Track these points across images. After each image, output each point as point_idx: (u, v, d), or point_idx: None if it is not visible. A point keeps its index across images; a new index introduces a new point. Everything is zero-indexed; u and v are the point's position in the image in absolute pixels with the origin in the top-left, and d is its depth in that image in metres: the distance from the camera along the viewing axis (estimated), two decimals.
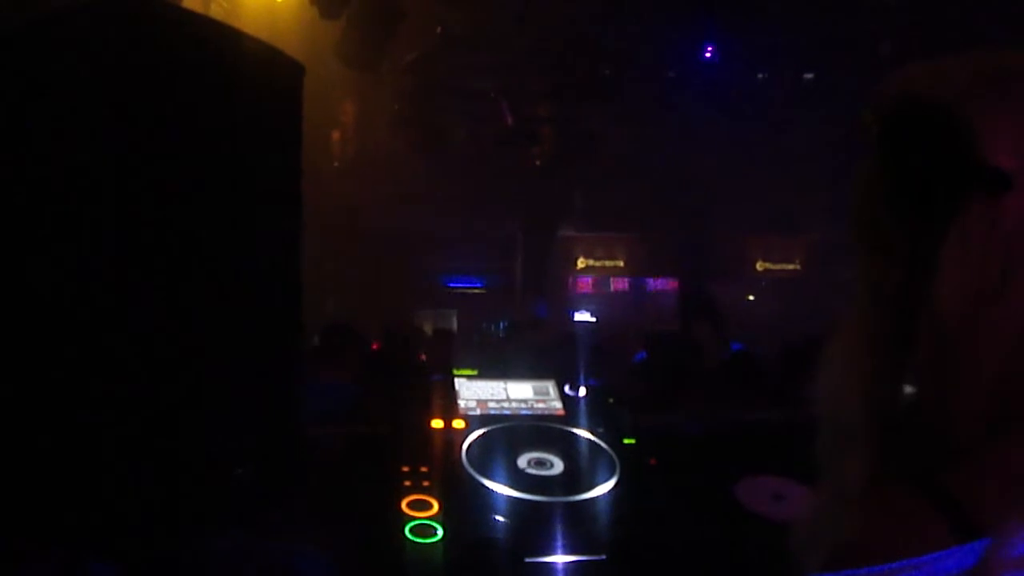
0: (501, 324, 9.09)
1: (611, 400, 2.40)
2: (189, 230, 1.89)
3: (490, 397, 2.34)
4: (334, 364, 3.96)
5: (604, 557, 1.90)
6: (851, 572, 0.77)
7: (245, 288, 2.01)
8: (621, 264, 13.87)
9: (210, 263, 1.94)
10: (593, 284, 13.54)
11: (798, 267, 14.07)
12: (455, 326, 10.90)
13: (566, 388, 2.39)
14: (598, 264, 13.77)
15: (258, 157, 2.01)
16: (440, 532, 1.88)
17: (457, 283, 13.24)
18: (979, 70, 0.88)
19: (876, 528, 0.81)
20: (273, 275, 2.07)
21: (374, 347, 4.77)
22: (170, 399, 1.82)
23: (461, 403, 2.31)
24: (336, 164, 11.07)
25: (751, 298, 13.08)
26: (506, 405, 2.33)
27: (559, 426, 2.27)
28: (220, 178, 1.93)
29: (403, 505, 1.95)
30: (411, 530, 1.89)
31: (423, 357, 4.37)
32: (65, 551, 1.58)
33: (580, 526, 1.95)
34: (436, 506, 1.94)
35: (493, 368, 2.42)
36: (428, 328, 8.57)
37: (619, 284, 14.12)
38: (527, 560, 1.86)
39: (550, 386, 2.40)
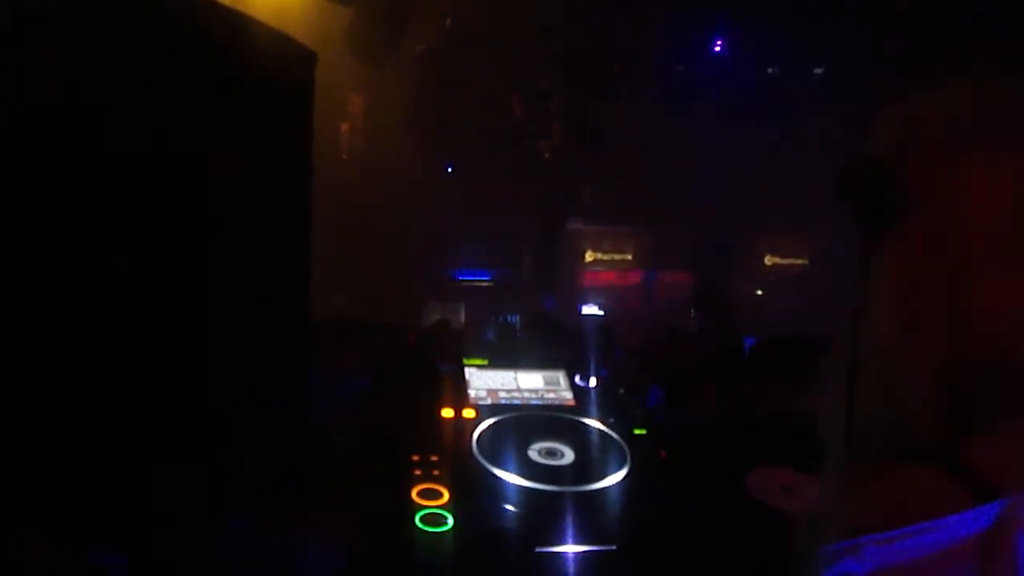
0: (512, 317, 9.08)
1: (622, 391, 2.39)
2: (198, 220, 1.89)
3: (500, 387, 2.33)
4: (344, 355, 3.96)
5: (614, 547, 1.89)
6: (872, 537, 0.78)
7: (254, 279, 2.02)
8: (629, 258, 13.82)
9: (218, 255, 1.95)
10: (602, 278, 13.49)
11: (806, 262, 14.02)
12: (463, 319, 10.88)
13: (577, 378, 2.38)
14: (606, 257, 13.72)
15: (268, 146, 2.01)
16: (450, 521, 1.88)
17: (465, 276, 13.21)
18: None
19: (894, 498, 0.83)
20: (282, 266, 2.08)
21: (411, 341, 4.75)
22: (178, 389, 1.83)
23: (471, 392, 2.30)
24: (345, 156, 11.08)
25: (759, 292, 13.04)
26: (516, 395, 2.32)
27: (569, 416, 2.26)
28: (229, 167, 1.93)
29: (413, 494, 1.94)
30: (421, 519, 1.88)
31: (413, 340, 4.36)
32: (68, 540, 1.58)
33: (590, 516, 1.94)
34: (446, 495, 1.94)
35: (503, 358, 2.41)
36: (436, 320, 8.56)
37: (629, 278, 14.09)
38: (537, 550, 1.86)
39: (560, 376, 2.39)
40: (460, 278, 13.05)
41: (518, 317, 8.14)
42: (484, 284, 13.01)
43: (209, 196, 1.92)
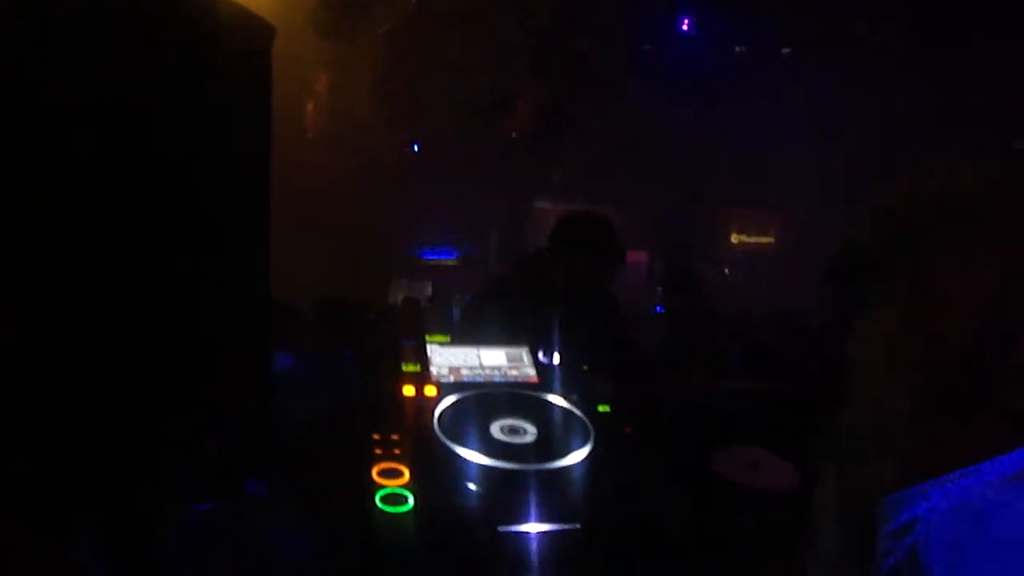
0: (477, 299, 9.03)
1: (585, 368, 2.36)
2: (148, 196, 1.85)
3: (463, 364, 2.30)
4: (307, 334, 3.94)
5: (578, 526, 1.86)
6: (935, 481, 0.86)
7: (210, 258, 1.97)
8: None
9: (172, 234, 1.90)
10: None
11: (772, 240, 14.11)
12: (429, 297, 10.86)
13: (540, 355, 2.35)
14: None
15: (224, 122, 1.96)
16: (411, 501, 1.84)
17: (432, 255, 13.19)
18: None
19: (941, 445, 0.88)
20: (240, 244, 2.03)
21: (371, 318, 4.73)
22: (133, 372, 1.79)
23: (433, 370, 2.26)
24: (310, 135, 11.02)
25: (726, 271, 13.10)
26: (479, 372, 2.28)
27: (533, 393, 2.23)
28: (182, 143, 1.88)
29: (373, 474, 1.90)
30: (381, 499, 1.84)
31: (372, 318, 4.33)
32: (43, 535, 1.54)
33: (554, 494, 1.91)
34: (407, 474, 1.90)
35: (466, 335, 2.37)
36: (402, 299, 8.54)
37: None
38: (500, 529, 1.82)
39: (524, 353, 2.35)
40: (426, 257, 13.02)
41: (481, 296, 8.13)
42: (451, 263, 13.00)
43: (158, 171, 1.88)
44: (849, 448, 1.07)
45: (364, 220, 11.44)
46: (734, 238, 14.02)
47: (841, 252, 1.10)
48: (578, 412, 2.17)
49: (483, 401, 2.16)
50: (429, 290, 11.60)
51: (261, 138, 2.06)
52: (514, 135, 11.32)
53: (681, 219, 12.25)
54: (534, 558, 1.80)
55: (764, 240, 14.03)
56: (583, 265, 3.33)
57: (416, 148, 12.30)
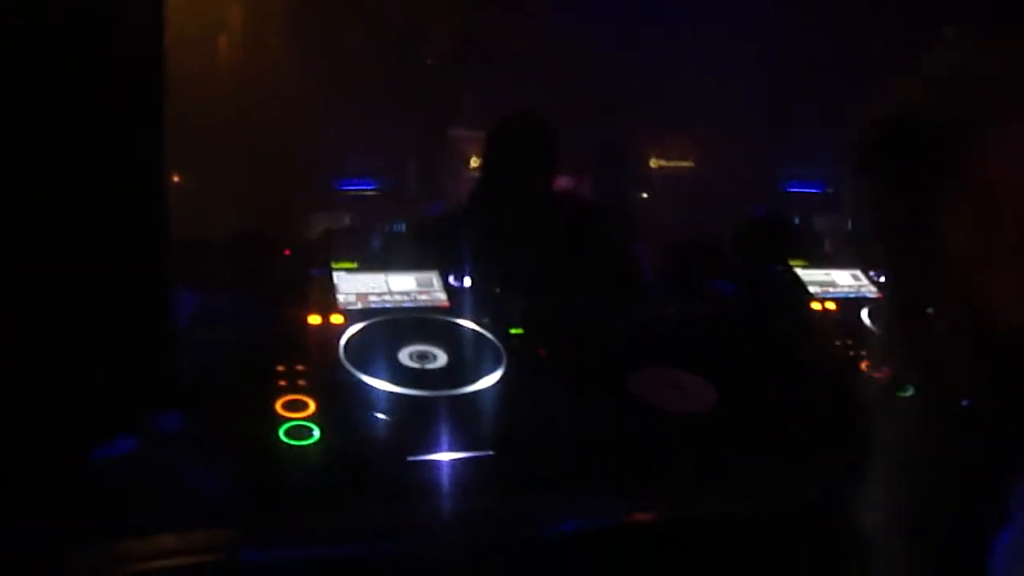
0: (397, 225, 8.94)
1: (498, 290, 2.29)
2: (31, 127, 1.75)
3: (371, 290, 2.21)
4: (217, 268, 3.82)
5: (491, 453, 1.80)
6: None
7: (104, 195, 1.87)
8: None
9: (63, 169, 1.80)
10: None
11: (691, 164, 14.18)
12: (348, 227, 10.73)
13: (451, 279, 2.27)
14: None
15: (111, 47, 1.86)
16: (316, 433, 1.76)
17: (350, 186, 12.99)
18: None
19: None
20: (134, 178, 1.94)
21: (286, 253, 4.59)
22: (34, 316, 1.71)
23: (340, 297, 2.18)
24: (225, 70, 10.78)
25: (645, 196, 13.10)
26: (388, 298, 2.20)
27: (443, 318, 2.15)
28: (66, 67, 1.78)
29: (278, 406, 1.82)
30: (286, 432, 1.76)
31: (288, 252, 4.23)
32: None
33: (465, 421, 1.84)
34: (312, 406, 1.82)
35: (374, 260, 2.28)
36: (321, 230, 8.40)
37: None
38: (409, 458, 1.75)
39: (434, 277, 2.28)
40: (345, 188, 12.83)
41: (404, 225, 8.02)
42: (370, 193, 12.81)
43: (42, 101, 1.78)
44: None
45: (280, 153, 11.21)
46: (652, 163, 14.04)
47: (883, 129, 0.97)
48: (490, 336, 2.10)
49: (391, 328, 2.09)
50: (347, 221, 11.44)
51: (151, 65, 1.95)
52: (429, 62, 11.17)
53: (598, 142, 12.23)
54: (446, 487, 1.74)
55: (683, 164, 14.08)
56: (516, 171, 3.20)
57: (332, 79, 12.07)
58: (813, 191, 13.10)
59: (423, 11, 10.70)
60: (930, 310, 0.97)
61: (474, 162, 13.38)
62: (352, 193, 12.77)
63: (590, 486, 1.82)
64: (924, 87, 0.95)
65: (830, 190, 12.98)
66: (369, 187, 12.82)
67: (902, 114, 0.94)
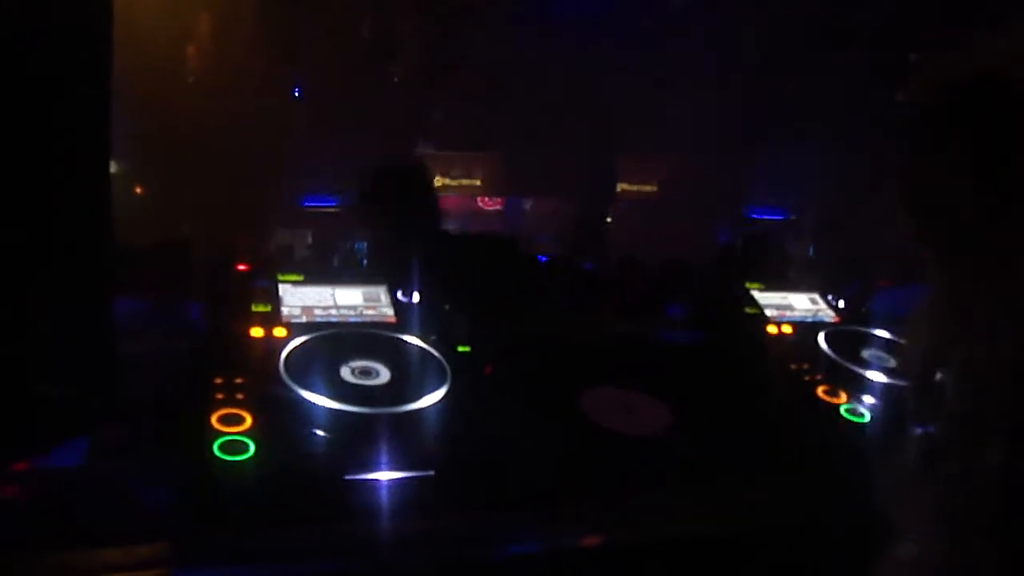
0: (359, 244, 8.91)
1: (447, 307, 2.24)
2: None
3: (316, 303, 2.16)
4: (164, 280, 3.77)
5: (432, 473, 1.74)
6: None
7: (49, 200, 1.83)
8: (478, 183, 13.78)
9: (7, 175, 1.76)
10: (451, 203, 13.36)
11: (655, 189, 14.25)
12: (309, 244, 10.69)
13: (398, 294, 2.22)
14: (454, 183, 13.63)
15: (59, 50, 1.82)
16: (252, 448, 1.70)
17: (312, 202, 12.93)
18: None
19: None
20: (78, 188, 1.90)
21: (240, 267, 4.53)
22: None
23: (284, 310, 2.12)
24: (191, 80, 10.73)
25: (609, 220, 13.13)
26: (333, 312, 2.15)
27: (388, 333, 2.10)
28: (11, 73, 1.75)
29: (213, 420, 1.76)
30: (220, 447, 1.70)
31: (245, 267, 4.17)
32: None
33: (406, 440, 1.79)
34: (249, 420, 1.76)
35: (321, 273, 2.23)
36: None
37: (485, 203, 14.08)
38: (347, 477, 1.70)
39: (381, 292, 2.22)
40: (307, 204, 12.76)
41: (365, 244, 7.97)
42: (331, 210, 12.74)
43: None
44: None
45: (243, 167, 11.14)
46: (618, 187, 14.08)
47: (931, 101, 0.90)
48: (435, 353, 2.05)
49: (334, 342, 2.03)
50: (309, 238, 11.38)
51: (98, 70, 1.90)
52: (396, 80, 11.16)
53: (564, 166, 12.25)
54: (383, 507, 1.68)
55: (647, 188, 14.13)
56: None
57: (297, 94, 12.03)
58: (775, 217, 13.20)
59: (391, 30, 10.69)
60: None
61: (436, 182, 13.39)
62: (315, 210, 12.72)
63: (533, 509, 1.76)
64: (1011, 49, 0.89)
65: (791, 217, 13.08)
66: (330, 204, 12.77)
67: (989, 74, 0.87)
